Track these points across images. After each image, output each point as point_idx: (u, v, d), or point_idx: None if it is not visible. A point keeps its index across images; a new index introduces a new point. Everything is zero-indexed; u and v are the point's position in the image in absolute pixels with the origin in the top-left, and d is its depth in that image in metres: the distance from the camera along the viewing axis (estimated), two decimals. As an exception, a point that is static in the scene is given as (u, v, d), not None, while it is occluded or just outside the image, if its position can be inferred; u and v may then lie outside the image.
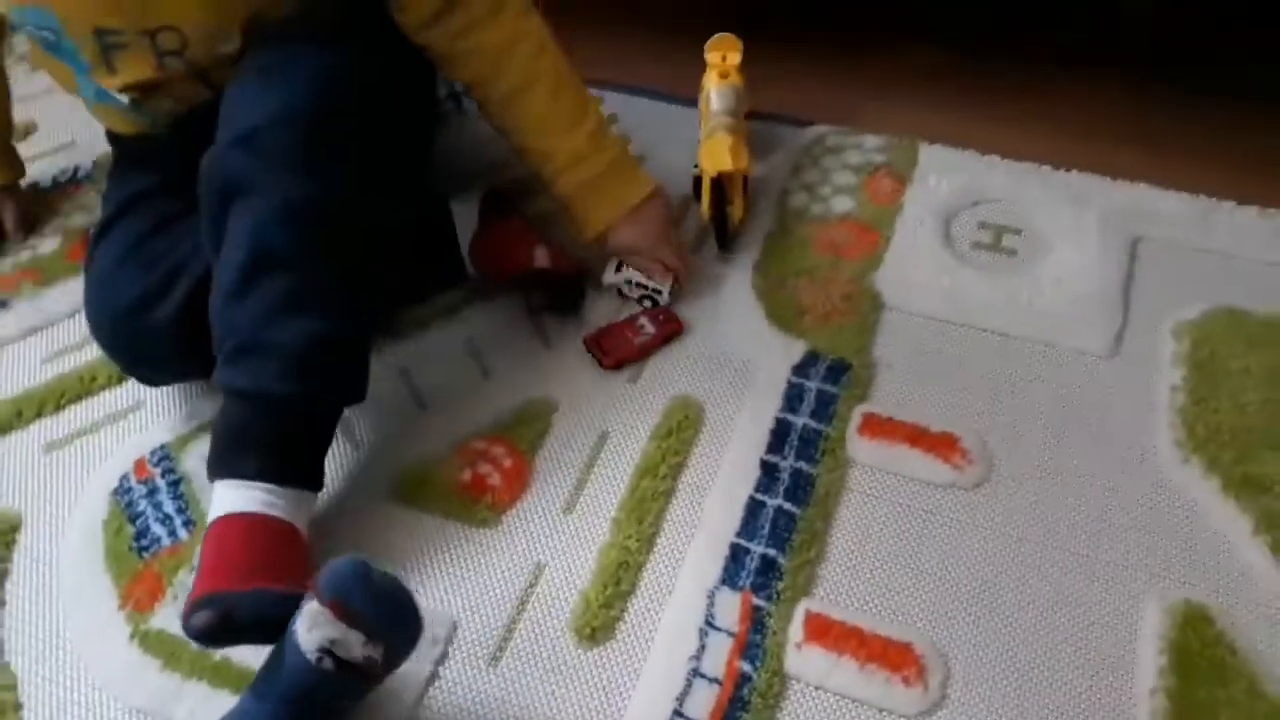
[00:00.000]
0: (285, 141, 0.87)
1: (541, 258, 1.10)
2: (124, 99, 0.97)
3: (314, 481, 0.90)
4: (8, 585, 0.94)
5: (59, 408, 1.07)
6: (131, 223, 1.03)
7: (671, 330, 1.08)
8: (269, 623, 0.77)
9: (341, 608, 0.74)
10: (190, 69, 0.95)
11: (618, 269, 1.11)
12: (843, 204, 1.22)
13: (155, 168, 1.05)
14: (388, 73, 0.94)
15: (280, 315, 0.87)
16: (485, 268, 1.12)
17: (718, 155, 1.11)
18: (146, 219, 1.03)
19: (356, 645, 0.75)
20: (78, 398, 1.07)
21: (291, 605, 0.76)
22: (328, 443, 0.91)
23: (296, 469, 0.88)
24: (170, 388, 1.07)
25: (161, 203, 1.03)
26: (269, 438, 0.87)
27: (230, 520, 0.83)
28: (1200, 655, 0.85)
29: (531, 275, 1.10)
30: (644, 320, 1.09)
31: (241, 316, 0.87)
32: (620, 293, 1.13)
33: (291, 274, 0.87)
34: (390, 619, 0.77)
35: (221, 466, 0.86)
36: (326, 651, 0.74)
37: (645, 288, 1.10)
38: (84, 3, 0.91)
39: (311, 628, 0.74)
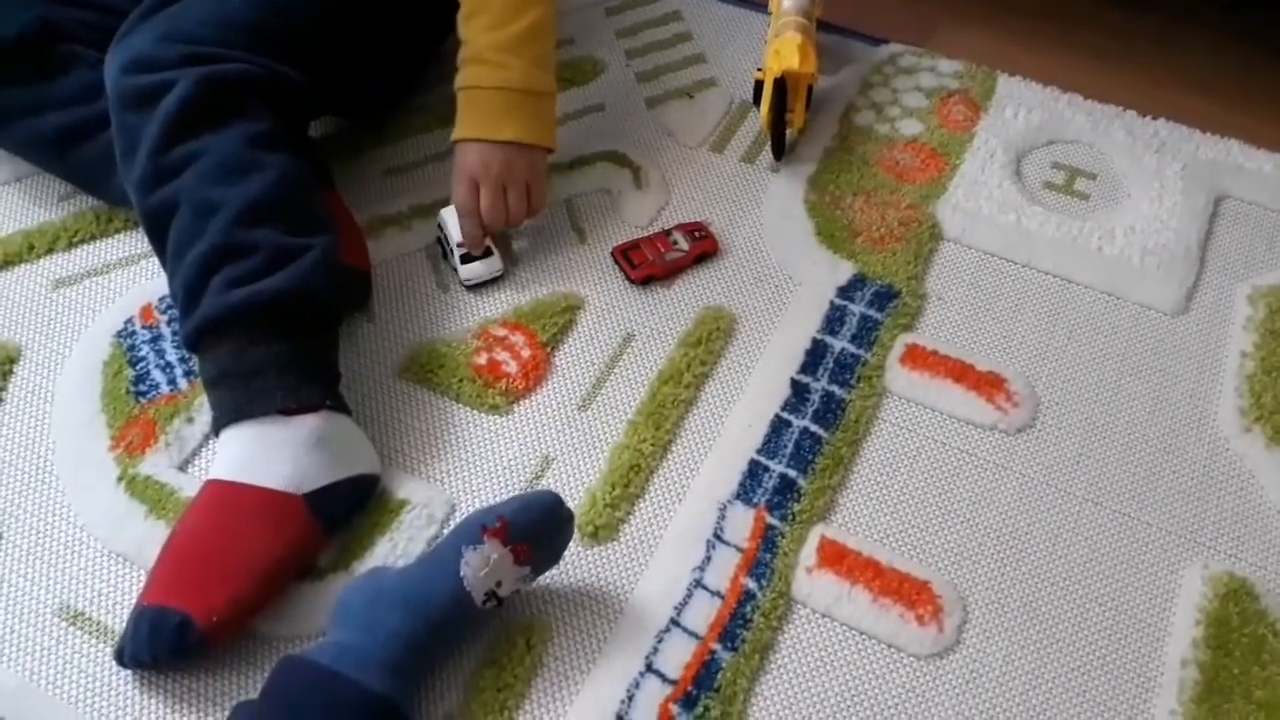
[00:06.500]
0: None
1: None
2: None
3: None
4: None
5: (71, 245, 1.02)
6: None
7: (705, 249, 1.02)
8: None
9: (527, 552, 0.73)
10: None
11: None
12: (911, 127, 1.15)
13: None
14: None
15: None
16: None
17: (786, 54, 1.04)
18: None
19: (517, 582, 0.75)
20: (92, 237, 1.03)
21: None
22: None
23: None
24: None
25: None
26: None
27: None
28: (1239, 631, 0.79)
29: None
30: (677, 235, 1.03)
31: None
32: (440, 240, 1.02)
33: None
34: (557, 555, 0.78)
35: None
36: (493, 594, 0.73)
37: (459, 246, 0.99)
38: None
39: (490, 574, 0.72)
